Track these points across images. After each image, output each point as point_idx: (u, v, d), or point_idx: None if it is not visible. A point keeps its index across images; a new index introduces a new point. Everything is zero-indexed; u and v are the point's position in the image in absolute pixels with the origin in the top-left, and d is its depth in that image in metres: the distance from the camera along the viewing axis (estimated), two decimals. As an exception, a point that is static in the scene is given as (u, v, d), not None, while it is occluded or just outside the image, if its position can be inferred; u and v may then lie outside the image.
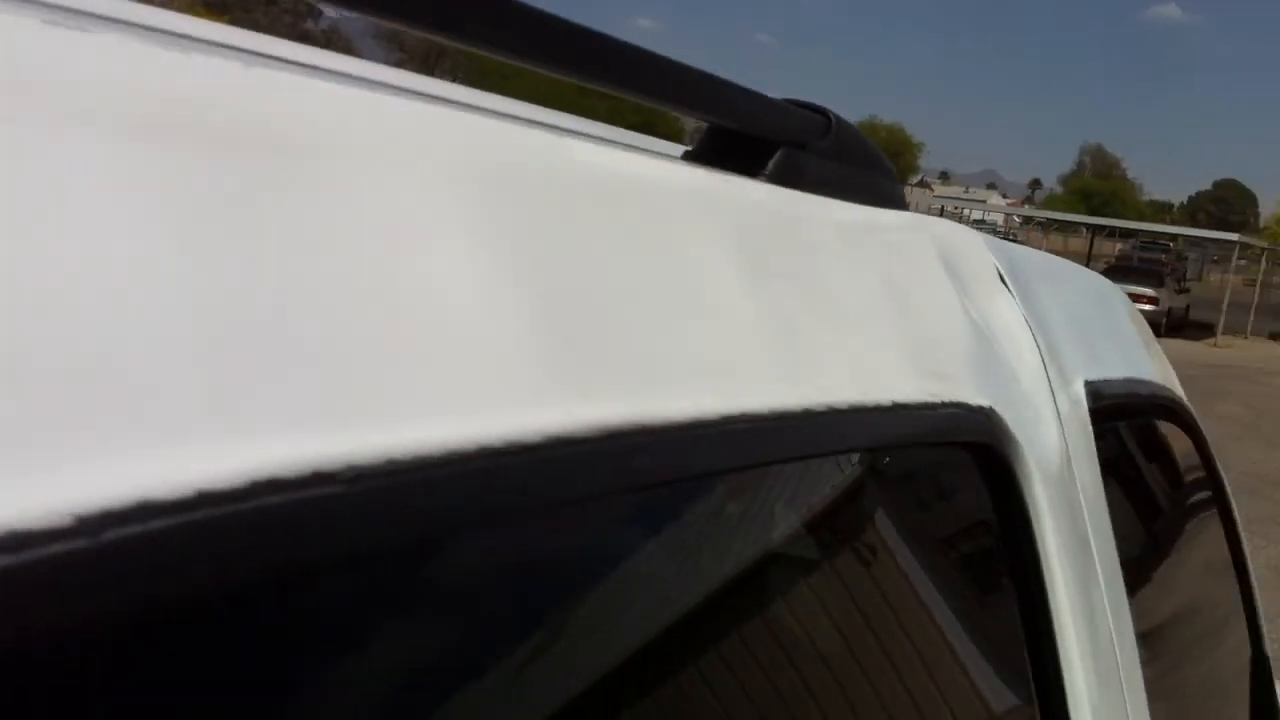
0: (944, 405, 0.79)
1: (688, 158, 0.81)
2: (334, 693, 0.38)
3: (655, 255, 0.57)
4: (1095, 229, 44.53)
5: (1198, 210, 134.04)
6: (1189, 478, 1.65)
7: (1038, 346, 1.01)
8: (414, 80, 0.83)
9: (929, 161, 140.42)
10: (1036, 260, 1.18)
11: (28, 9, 0.36)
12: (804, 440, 0.63)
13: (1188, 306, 31.94)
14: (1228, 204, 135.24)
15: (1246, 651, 1.76)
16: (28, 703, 0.28)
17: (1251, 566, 1.79)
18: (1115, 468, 1.19)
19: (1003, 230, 53.83)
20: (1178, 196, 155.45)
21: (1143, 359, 1.40)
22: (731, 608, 0.62)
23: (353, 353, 0.38)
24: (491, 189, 0.48)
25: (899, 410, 0.73)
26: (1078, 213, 78.09)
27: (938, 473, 0.88)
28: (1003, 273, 1.02)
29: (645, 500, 0.54)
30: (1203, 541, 1.72)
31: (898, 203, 0.95)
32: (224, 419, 0.33)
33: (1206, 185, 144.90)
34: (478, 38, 0.58)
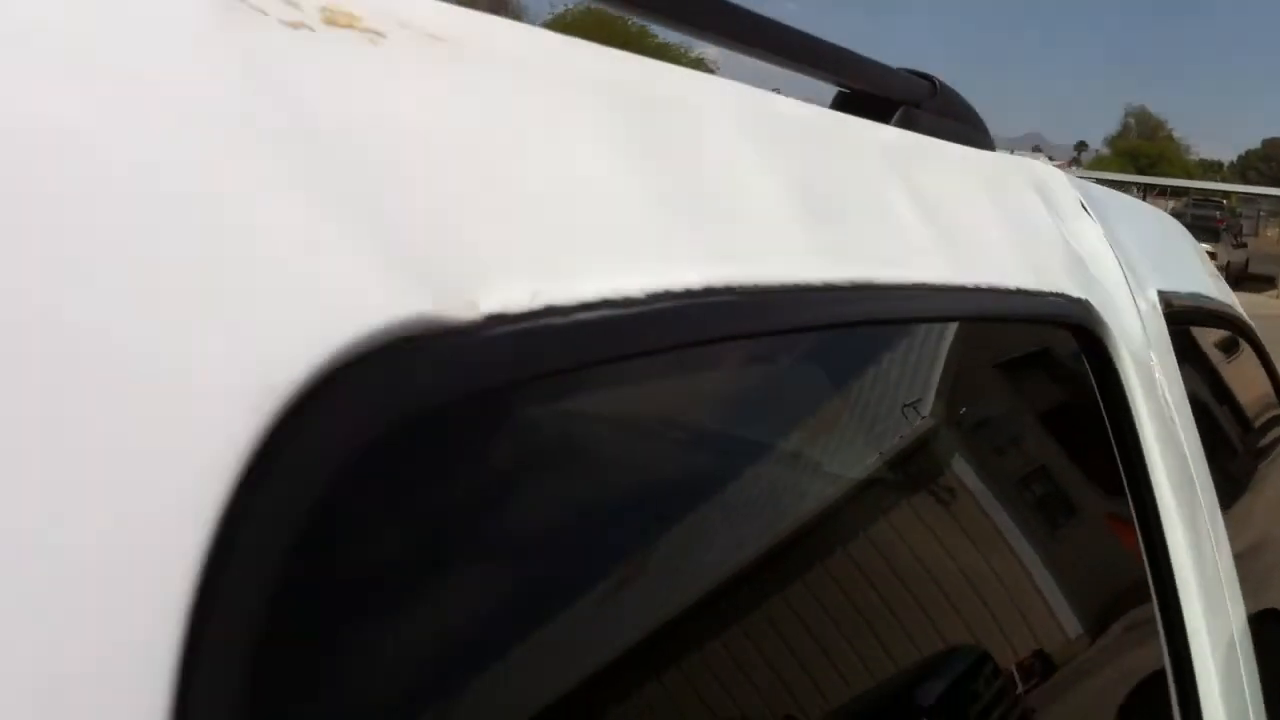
0: (1050, 294, 0.99)
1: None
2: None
3: (801, 169, 0.71)
4: (1146, 188, 44.07)
5: (1248, 168, 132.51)
6: (1253, 382, 1.87)
7: (1117, 259, 1.22)
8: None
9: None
10: (1109, 195, 1.41)
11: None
12: (941, 305, 0.83)
13: (1246, 260, 31.96)
14: (1279, 162, 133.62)
15: None
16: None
17: None
18: (1188, 360, 1.37)
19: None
20: (1226, 156, 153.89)
21: (1205, 280, 1.64)
22: (872, 443, 0.81)
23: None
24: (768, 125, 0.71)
25: (1019, 294, 0.93)
26: (1125, 173, 77.38)
27: (1050, 349, 1.10)
28: (1083, 202, 1.25)
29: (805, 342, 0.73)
30: (1268, 438, 1.93)
31: (987, 145, 1.18)
32: (653, 256, 0.54)
33: (1255, 144, 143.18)
34: (670, 15, 0.79)
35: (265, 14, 0.41)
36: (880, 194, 0.80)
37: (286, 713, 0.37)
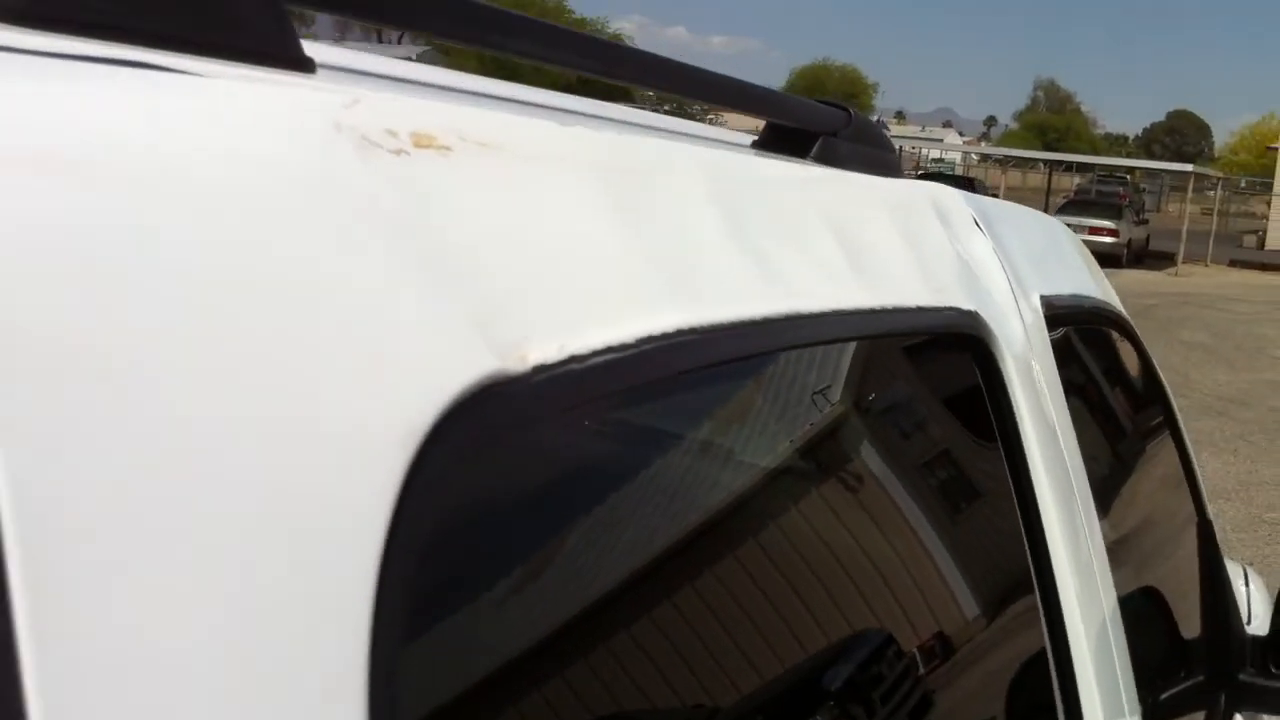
0: (945, 309, 1.13)
1: (755, 145, 1.22)
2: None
3: (743, 215, 0.84)
4: (1053, 164, 44.82)
5: (1152, 142, 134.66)
6: (1129, 371, 2.03)
7: (1004, 270, 1.36)
8: (550, 97, 1.22)
9: (884, 102, 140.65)
10: (1000, 207, 1.56)
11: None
12: (855, 326, 0.97)
13: (1148, 237, 32.35)
14: (1182, 135, 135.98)
15: (1194, 517, 2.05)
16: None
17: (1191, 447, 2.13)
18: (1067, 359, 1.52)
19: (961, 168, 54.07)
20: (1132, 129, 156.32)
21: (1086, 280, 1.78)
22: (793, 461, 0.97)
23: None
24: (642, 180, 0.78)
25: (918, 310, 1.07)
26: (1033, 148, 78.42)
27: (943, 357, 1.23)
28: (976, 218, 1.37)
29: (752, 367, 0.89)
30: (1147, 426, 2.08)
31: (896, 168, 1.32)
32: (638, 307, 0.68)
33: (1160, 117, 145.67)
34: (607, 73, 0.89)
35: (379, 145, 0.55)
36: (804, 229, 0.93)
37: (426, 661, 0.53)
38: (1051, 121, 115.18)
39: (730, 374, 0.84)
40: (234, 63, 0.56)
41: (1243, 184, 60.77)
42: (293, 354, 0.45)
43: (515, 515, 0.65)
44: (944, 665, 1.08)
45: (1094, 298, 1.77)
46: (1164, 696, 1.60)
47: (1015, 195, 44.46)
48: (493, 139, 0.64)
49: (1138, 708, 1.44)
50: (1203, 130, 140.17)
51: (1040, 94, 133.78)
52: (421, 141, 0.58)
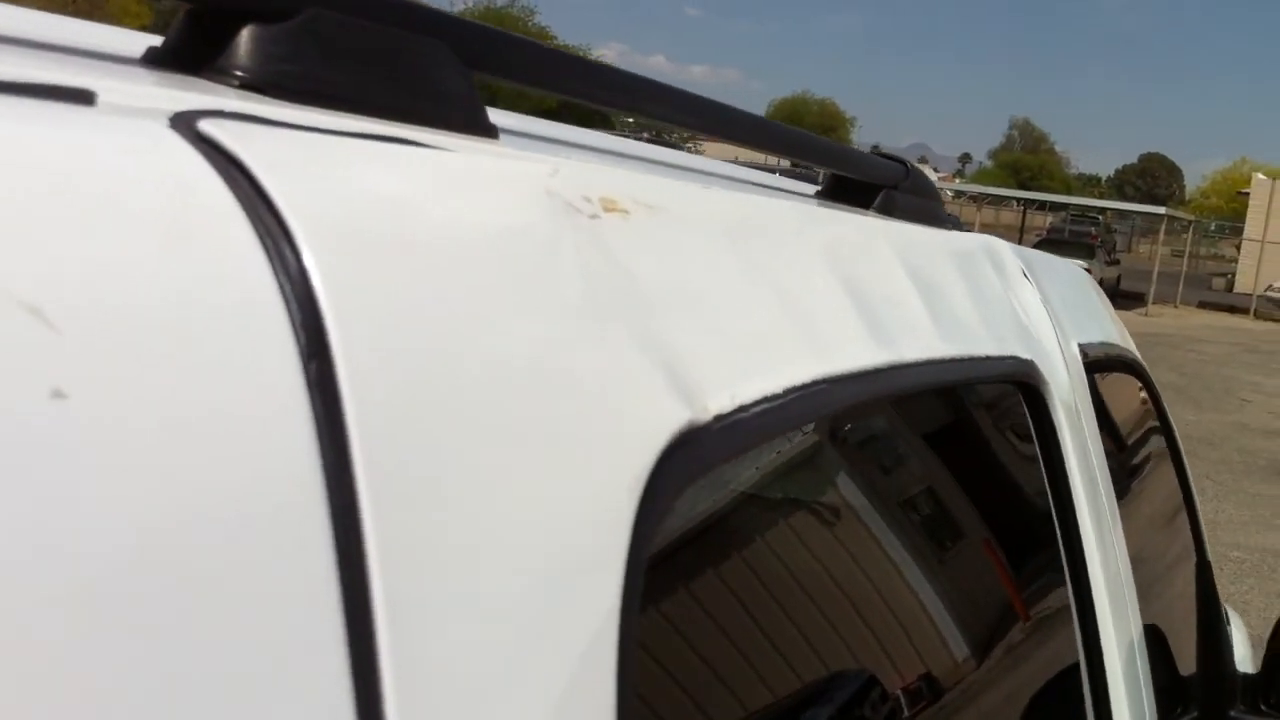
0: (1007, 357, 1.21)
1: (820, 195, 1.33)
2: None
3: (848, 270, 0.92)
4: (1027, 203, 45.13)
5: (1124, 184, 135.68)
6: (1146, 417, 2.14)
7: (1050, 319, 1.44)
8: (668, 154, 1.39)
9: (861, 136, 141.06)
10: (1040, 258, 1.64)
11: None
12: (938, 375, 1.04)
13: (1119, 277, 32.50)
14: (1153, 177, 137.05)
15: (1193, 558, 2.15)
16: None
17: (1194, 489, 2.24)
18: (1100, 404, 1.62)
19: (936, 204, 54.10)
20: (1104, 170, 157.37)
21: (1111, 328, 1.89)
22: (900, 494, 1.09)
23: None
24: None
25: (986, 360, 1.15)
26: (1007, 186, 78.77)
27: (1005, 403, 1.32)
28: (1024, 269, 1.45)
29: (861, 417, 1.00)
30: (1160, 467, 2.18)
31: (946, 219, 1.42)
32: (781, 360, 0.75)
33: (1132, 159, 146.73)
34: (666, 118, 0.98)
35: (580, 211, 0.61)
36: (894, 282, 1.01)
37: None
38: (1025, 160, 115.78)
39: (851, 418, 0.94)
40: (440, 131, 0.61)
41: (1212, 227, 61.37)
42: (542, 409, 0.52)
43: (702, 546, 0.75)
44: (990, 683, 1.16)
45: (1118, 345, 1.86)
46: None
47: (989, 232, 44.46)
48: (657, 201, 0.71)
49: None
50: (1174, 173, 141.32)
51: (1015, 133, 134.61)
52: (609, 206, 0.64)
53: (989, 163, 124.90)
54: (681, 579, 0.75)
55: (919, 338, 0.99)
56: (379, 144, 0.53)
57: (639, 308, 0.62)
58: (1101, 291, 2.01)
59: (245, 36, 0.57)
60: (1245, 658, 2.60)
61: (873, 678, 0.94)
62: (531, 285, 0.55)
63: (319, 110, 0.56)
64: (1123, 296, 30.90)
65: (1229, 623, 2.73)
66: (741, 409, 0.66)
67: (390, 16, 0.63)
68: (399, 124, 0.59)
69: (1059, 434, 1.32)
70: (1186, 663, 1.96)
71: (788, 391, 0.73)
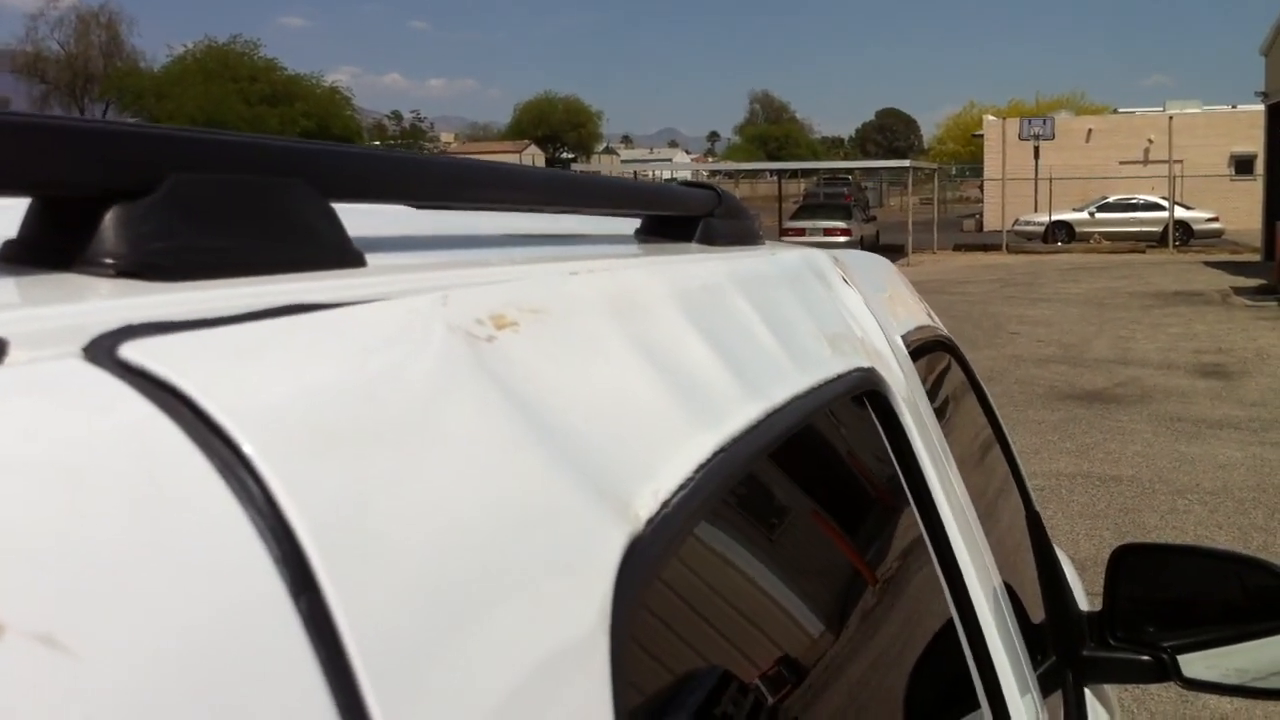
0: (852, 370, 1.20)
1: (639, 234, 1.33)
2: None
3: (710, 328, 0.92)
4: (779, 173, 46.32)
5: (866, 141, 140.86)
6: (964, 388, 2.18)
7: (874, 318, 1.45)
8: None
9: (610, 128, 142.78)
10: (850, 258, 1.63)
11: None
12: (803, 409, 1.01)
13: (877, 233, 33.76)
14: (893, 131, 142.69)
15: (1023, 512, 2.21)
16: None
17: (1013, 445, 2.31)
18: (926, 387, 1.64)
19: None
20: (845, 130, 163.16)
21: (919, 310, 1.90)
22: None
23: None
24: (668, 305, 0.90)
25: (837, 379, 1.14)
26: (757, 159, 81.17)
27: (854, 415, 1.30)
28: (843, 275, 1.46)
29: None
30: (980, 431, 2.23)
31: (758, 236, 1.42)
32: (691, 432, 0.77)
33: (870, 116, 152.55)
34: (493, 201, 0.98)
35: (477, 336, 0.61)
36: (748, 324, 1.01)
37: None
38: (771, 132, 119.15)
39: (744, 478, 0.91)
40: (315, 273, 0.61)
41: (954, 171, 64.18)
42: (502, 561, 0.53)
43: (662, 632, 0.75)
44: (879, 654, 1.19)
45: (927, 325, 1.88)
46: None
47: (750, 205, 45.52)
48: (538, 304, 0.70)
49: (1036, 684, 1.55)
50: (910, 125, 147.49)
51: (757, 106, 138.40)
52: (500, 323, 0.64)
53: (737, 138, 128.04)
54: None
55: (781, 376, 1.00)
56: (279, 321, 0.52)
57: (557, 425, 0.62)
58: (903, 276, 2.04)
59: (110, 221, 0.54)
60: (1077, 584, 2.67)
61: (792, 666, 0.98)
62: (461, 431, 0.55)
63: (199, 284, 0.55)
64: (883, 250, 31.90)
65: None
66: (665, 505, 0.67)
67: (247, 164, 0.61)
68: (277, 277, 0.58)
69: (905, 429, 1.34)
70: (1036, 611, 1.97)
71: (697, 471, 0.73)
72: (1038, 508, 2.23)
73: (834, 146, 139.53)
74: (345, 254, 0.66)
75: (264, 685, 0.39)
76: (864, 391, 1.26)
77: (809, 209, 33.77)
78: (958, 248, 33.76)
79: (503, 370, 0.61)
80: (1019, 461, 2.27)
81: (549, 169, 1.04)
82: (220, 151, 0.60)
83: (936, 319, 2.04)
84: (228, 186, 0.59)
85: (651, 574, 0.65)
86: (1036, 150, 36.81)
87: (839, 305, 1.35)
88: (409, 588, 0.46)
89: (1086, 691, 2.01)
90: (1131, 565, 1.96)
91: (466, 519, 0.52)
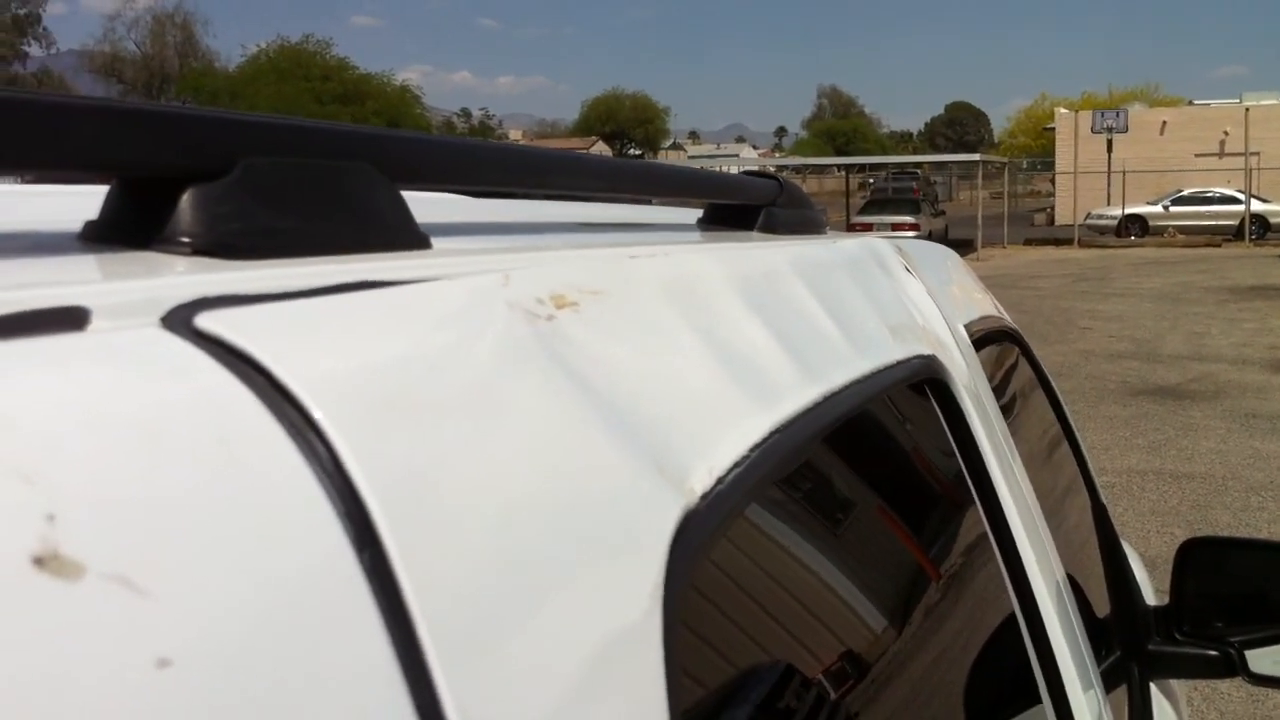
0: (913, 358, 1.20)
1: (701, 223, 1.36)
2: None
3: (771, 314, 0.93)
4: (847, 168, 46.05)
5: (935, 135, 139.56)
6: (1030, 380, 2.16)
7: (937, 306, 1.45)
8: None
9: (677, 124, 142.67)
10: (913, 247, 1.62)
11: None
12: (862, 393, 1.02)
13: (946, 227, 33.36)
14: (962, 125, 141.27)
15: (1089, 503, 2.19)
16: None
17: (1080, 437, 2.29)
18: (990, 377, 1.63)
19: (760, 181, 54.99)
20: (914, 125, 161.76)
21: (984, 299, 1.89)
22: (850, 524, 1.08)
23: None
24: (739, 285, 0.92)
25: (896, 365, 1.14)
26: (824, 154, 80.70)
27: (917, 401, 1.29)
28: (905, 264, 1.45)
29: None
30: (1046, 422, 2.21)
31: (823, 225, 1.43)
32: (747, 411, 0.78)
33: (939, 110, 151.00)
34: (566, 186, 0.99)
35: (537, 315, 0.62)
36: (806, 310, 1.02)
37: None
38: (838, 126, 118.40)
39: (802, 460, 0.93)
40: (381, 254, 0.63)
41: (1025, 165, 63.46)
42: (558, 534, 0.53)
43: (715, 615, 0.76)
44: (945, 649, 1.19)
45: (992, 315, 1.86)
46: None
47: (816, 200, 45.33)
48: (599, 285, 0.71)
49: (1100, 680, 1.53)
50: (981, 118, 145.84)
51: (824, 101, 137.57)
52: (560, 302, 0.65)
53: (804, 133, 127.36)
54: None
55: (840, 361, 1.00)
56: (348, 296, 0.53)
57: (615, 402, 0.63)
58: (968, 266, 2.02)
59: (187, 202, 0.57)
60: (1144, 581, 2.63)
61: (847, 659, 0.97)
62: (522, 405, 0.56)
63: (271, 263, 0.56)
64: (953, 245, 31.31)
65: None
66: (720, 481, 0.67)
67: (317, 149, 0.63)
68: (345, 257, 0.60)
69: (968, 418, 1.34)
70: (1101, 606, 1.96)
71: (751, 450, 0.73)
72: (1104, 501, 2.21)
73: (902, 141, 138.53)
74: (410, 236, 0.69)
75: (327, 632, 0.40)
76: (925, 379, 1.26)
77: (877, 204, 33.61)
78: (1028, 242, 33.36)
79: (562, 348, 0.62)
80: (1086, 454, 2.25)
81: (611, 157, 1.04)
82: (290, 136, 0.62)
83: (1002, 310, 2.02)
84: (297, 170, 0.62)
85: (706, 547, 0.66)
86: (1109, 143, 36.32)
87: (900, 293, 1.36)
88: (468, 550, 0.47)
89: (1152, 687, 1.99)
90: (1199, 559, 1.94)
91: (527, 491, 0.53)
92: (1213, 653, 1.87)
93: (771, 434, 0.78)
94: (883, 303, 1.25)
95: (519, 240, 0.96)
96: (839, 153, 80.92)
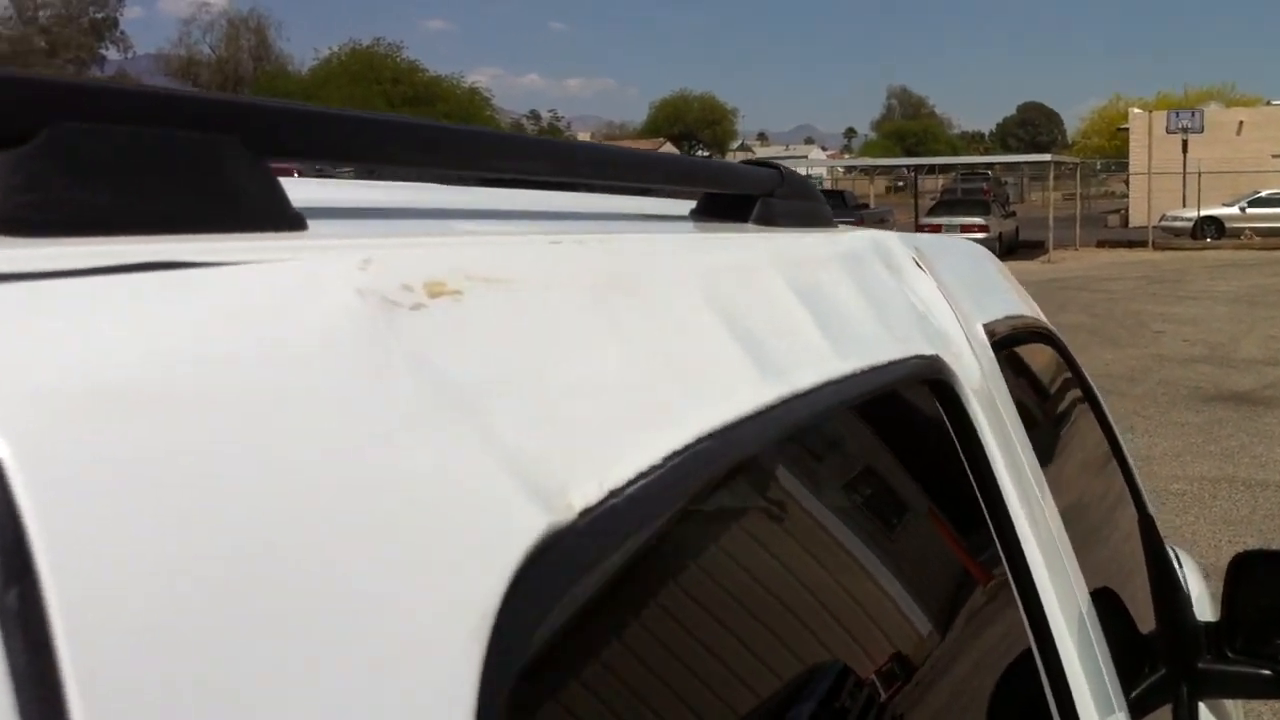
0: (910, 358, 1.15)
1: (694, 214, 1.26)
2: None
3: (730, 305, 0.87)
4: (916, 169, 45.68)
5: (1007, 136, 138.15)
6: (1063, 382, 2.09)
7: (950, 306, 1.39)
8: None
9: (745, 125, 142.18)
10: (932, 242, 1.58)
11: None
12: (839, 395, 0.96)
13: (1016, 229, 33.03)
14: (1034, 126, 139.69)
15: (1134, 514, 2.09)
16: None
17: (1124, 444, 2.19)
18: (1013, 380, 1.56)
19: (829, 182, 54.91)
20: (986, 125, 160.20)
21: (1014, 299, 1.84)
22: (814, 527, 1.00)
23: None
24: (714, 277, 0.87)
25: (888, 365, 1.09)
26: (893, 155, 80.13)
27: (915, 404, 1.26)
28: (916, 258, 1.40)
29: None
30: (1084, 430, 2.13)
31: (829, 218, 1.36)
32: (658, 425, 0.69)
33: (1011, 111, 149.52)
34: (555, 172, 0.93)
35: (399, 304, 0.56)
36: (780, 304, 0.96)
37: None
38: (908, 127, 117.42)
39: (746, 467, 0.84)
40: (235, 234, 0.57)
41: (1098, 166, 62.61)
42: (352, 549, 0.47)
43: (590, 642, 0.66)
44: (916, 685, 1.09)
45: (1024, 315, 1.81)
46: (1134, 694, 1.60)
47: (884, 201, 45.30)
48: (496, 273, 0.65)
49: (1125, 703, 1.47)
50: (1053, 119, 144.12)
51: (894, 101, 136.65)
52: (436, 290, 0.59)
53: (873, 134, 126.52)
54: (632, 598, 0.71)
55: (814, 361, 0.94)
56: (124, 278, 0.47)
57: (479, 403, 0.56)
58: (1000, 263, 1.97)
59: None
60: (1203, 595, 2.56)
61: (832, 680, 0.92)
62: (331, 402, 0.50)
63: (71, 241, 0.50)
64: (1023, 246, 31.34)
65: (1180, 565, 2.69)
66: (614, 494, 0.61)
67: (156, 116, 0.56)
68: (173, 237, 0.54)
69: (975, 423, 1.28)
70: (1146, 620, 1.91)
71: (667, 459, 0.67)
72: (1152, 512, 2.14)
73: (974, 141, 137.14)
74: (277, 216, 0.62)
75: None
76: (926, 380, 1.21)
77: (946, 204, 33.31)
78: (1101, 244, 32.87)
79: (420, 340, 0.56)
80: (1131, 463, 2.17)
81: (576, 141, 0.96)
82: (118, 101, 0.55)
83: (1038, 310, 1.96)
84: (126, 138, 0.54)
85: (586, 568, 0.59)
86: (1184, 144, 35.72)
87: (905, 289, 1.30)
88: (183, 580, 0.40)
89: (1201, 706, 1.92)
90: (1253, 573, 1.85)
91: (313, 503, 0.46)
92: (1266, 672, 1.80)
93: (700, 440, 0.71)
94: (879, 298, 1.20)
95: (433, 225, 0.88)
96: (908, 153, 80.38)
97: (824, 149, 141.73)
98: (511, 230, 0.87)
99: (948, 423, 1.25)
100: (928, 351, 1.20)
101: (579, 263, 0.76)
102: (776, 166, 1.30)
